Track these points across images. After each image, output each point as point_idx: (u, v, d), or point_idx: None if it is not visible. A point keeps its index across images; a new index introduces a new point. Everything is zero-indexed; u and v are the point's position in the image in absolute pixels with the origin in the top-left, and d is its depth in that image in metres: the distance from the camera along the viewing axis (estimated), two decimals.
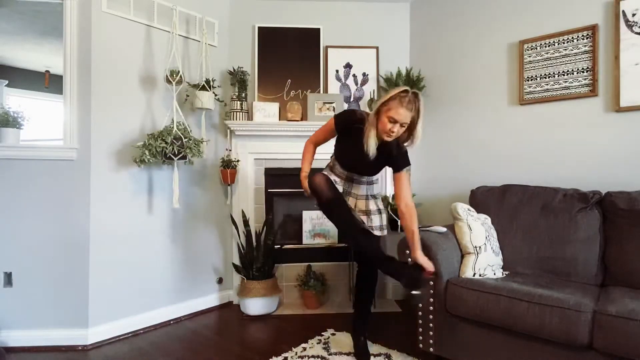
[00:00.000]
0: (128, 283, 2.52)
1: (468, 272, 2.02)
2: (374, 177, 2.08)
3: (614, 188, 2.17)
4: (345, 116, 1.95)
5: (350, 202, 2.03)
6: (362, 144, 1.82)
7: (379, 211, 2.05)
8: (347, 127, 1.91)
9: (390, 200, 2.97)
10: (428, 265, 1.83)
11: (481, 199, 2.48)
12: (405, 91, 1.73)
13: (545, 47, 2.53)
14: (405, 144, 1.86)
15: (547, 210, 2.21)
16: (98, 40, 2.39)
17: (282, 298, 3.03)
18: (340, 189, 2.00)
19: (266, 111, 3.00)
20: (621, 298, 1.64)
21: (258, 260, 2.83)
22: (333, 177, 2.03)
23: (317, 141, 2.11)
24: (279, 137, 3.05)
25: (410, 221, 1.86)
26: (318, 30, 3.17)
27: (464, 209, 2.15)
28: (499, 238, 2.27)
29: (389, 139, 1.79)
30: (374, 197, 2.07)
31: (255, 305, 2.77)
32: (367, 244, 1.92)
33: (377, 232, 2.00)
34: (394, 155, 1.87)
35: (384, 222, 2.06)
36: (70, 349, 2.29)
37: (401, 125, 1.74)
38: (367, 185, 2.06)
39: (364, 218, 2.01)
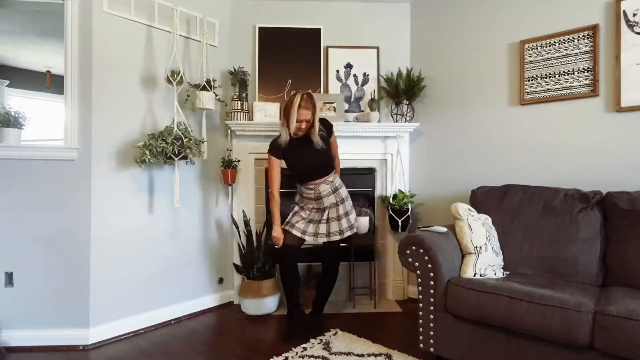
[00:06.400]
0: (129, 283, 2.53)
1: (469, 272, 2.02)
2: (337, 182, 2.47)
3: (614, 188, 2.17)
4: (274, 144, 2.42)
5: (327, 214, 2.43)
6: (302, 146, 2.37)
7: (346, 214, 2.46)
8: (281, 148, 2.39)
9: (392, 201, 2.97)
10: None
11: (482, 199, 2.48)
12: (301, 96, 2.27)
13: (546, 47, 2.53)
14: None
15: (547, 210, 2.21)
16: (99, 41, 2.39)
17: (283, 298, 3.02)
18: (315, 217, 2.46)
19: (267, 111, 3.00)
20: (622, 298, 1.64)
21: (259, 260, 2.84)
22: (302, 219, 2.45)
23: (277, 184, 2.44)
24: None
25: (338, 167, 2.63)
26: (318, 30, 3.17)
27: (464, 209, 2.15)
28: (500, 238, 2.27)
29: (301, 133, 2.36)
30: (343, 201, 2.47)
31: (256, 305, 2.78)
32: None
33: (347, 233, 2.44)
34: (324, 129, 2.42)
35: (353, 220, 2.48)
36: (71, 348, 2.30)
37: (307, 122, 2.31)
38: (334, 194, 2.44)
39: (334, 224, 2.42)
